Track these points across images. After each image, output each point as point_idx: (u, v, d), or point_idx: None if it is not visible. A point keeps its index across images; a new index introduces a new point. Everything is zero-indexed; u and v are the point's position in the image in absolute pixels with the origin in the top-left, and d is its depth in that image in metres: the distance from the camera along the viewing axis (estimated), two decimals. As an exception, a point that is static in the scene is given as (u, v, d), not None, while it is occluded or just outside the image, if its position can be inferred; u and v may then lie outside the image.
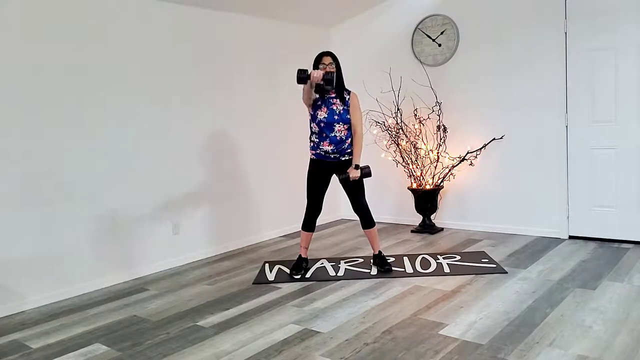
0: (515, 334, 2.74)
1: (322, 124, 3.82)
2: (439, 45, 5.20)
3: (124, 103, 4.07)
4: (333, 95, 3.84)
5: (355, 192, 3.91)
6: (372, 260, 4.10)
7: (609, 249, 4.24)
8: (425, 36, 5.28)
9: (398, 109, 5.44)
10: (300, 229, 4.09)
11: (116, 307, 3.50)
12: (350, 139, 3.88)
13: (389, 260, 4.09)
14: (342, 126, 3.83)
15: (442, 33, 5.17)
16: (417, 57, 5.36)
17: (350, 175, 3.80)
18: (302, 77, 3.59)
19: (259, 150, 5.18)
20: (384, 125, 5.51)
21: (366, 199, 3.96)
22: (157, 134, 4.30)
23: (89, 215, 3.87)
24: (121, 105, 4.06)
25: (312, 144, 3.93)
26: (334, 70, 3.76)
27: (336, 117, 3.81)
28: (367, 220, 3.95)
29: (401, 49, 5.50)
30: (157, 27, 4.28)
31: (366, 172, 3.84)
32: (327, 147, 3.85)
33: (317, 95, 3.84)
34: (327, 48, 5.93)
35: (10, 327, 3.23)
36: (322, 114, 3.82)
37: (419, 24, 5.31)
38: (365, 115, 5.74)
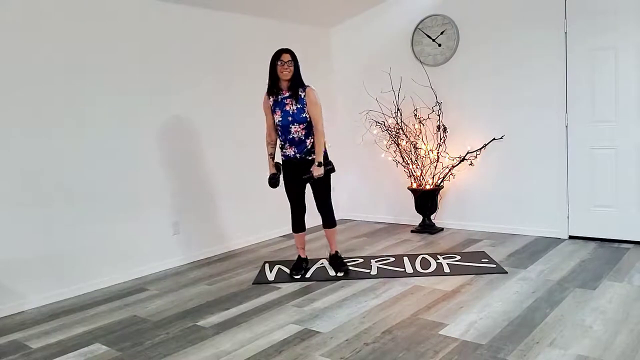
0: (515, 334, 2.74)
1: (279, 127, 3.77)
2: (439, 45, 5.19)
3: (124, 103, 4.07)
4: (286, 94, 3.73)
5: (322, 191, 3.87)
6: (328, 261, 4.13)
7: (609, 249, 4.24)
8: (425, 36, 5.28)
9: (398, 109, 5.44)
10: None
11: (116, 307, 3.50)
12: (311, 138, 3.79)
13: (346, 262, 4.09)
14: (298, 127, 3.73)
15: (442, 33, 5.16)
16: (417, 57, 5.36)
17: (314, 174, 3.73)
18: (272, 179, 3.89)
19: (259, 150, 5.17)
20: (384, 125, 5.51)
21: (331, 198, 3.96)
22: (157, 133, 4.30)
23: (89, 215, 3.87)
24: (121, 105, 4.06)
25: (279, 146, 3.89)
26: (274, 172, 3.81)
27: (290, 119, 3.72)
28: (330, 220, 3.95)
29: (401, 49, 5.50)
30: (157, 27, 4.28)
31: (329, 169, 3.82)
32: (289, 149, 3.80)
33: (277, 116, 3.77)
34: (327, 48, 5.95)
35: (10, 327, 3.23)
36: (277, 118, 3.75)
37: (419, 24, 5.31)
38: (365, 116, 5.75)
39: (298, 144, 3.77)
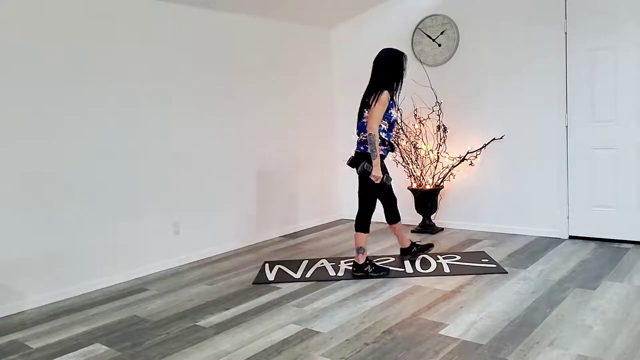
0: (515, 334, 2.74)
1: (395, 123, 3.91)
2: (439, 45, 5.20)
3: (125, 103, 4.08)
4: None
5: None
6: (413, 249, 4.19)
7: (609, 249, 4.24)
8: (425, 36, 5.28)
9: (398, 109, 5.43)
10: (355, 231, 3.94)
11: (116, 307, 3.50)
12: None
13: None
14: None
15: (442, 33, 5.16)
16: (417, 57, 5.36)
17: None
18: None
19: (259, 150, 5.18)
20: (384, 125, 5.50)
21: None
22: (157, 134, 4.30)
23: (89, 215, 3.87)
24: (122, 106, 4.06)
25: (380, 141, 3.76)
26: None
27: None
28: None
29: (401, 49, 5.46)
30: (157, 27, 4.28)
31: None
32: (390, 145, 3.92)
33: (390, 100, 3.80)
34: (327, 48, 5.95)
35: (10, 327, 3.23)
36: (395, 114, 3.89)
37: (419, 24, 5.31)
38: (365, 115, 5.75)
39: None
